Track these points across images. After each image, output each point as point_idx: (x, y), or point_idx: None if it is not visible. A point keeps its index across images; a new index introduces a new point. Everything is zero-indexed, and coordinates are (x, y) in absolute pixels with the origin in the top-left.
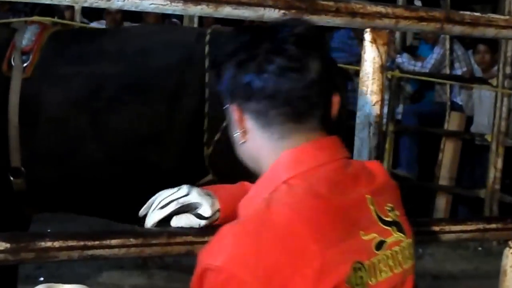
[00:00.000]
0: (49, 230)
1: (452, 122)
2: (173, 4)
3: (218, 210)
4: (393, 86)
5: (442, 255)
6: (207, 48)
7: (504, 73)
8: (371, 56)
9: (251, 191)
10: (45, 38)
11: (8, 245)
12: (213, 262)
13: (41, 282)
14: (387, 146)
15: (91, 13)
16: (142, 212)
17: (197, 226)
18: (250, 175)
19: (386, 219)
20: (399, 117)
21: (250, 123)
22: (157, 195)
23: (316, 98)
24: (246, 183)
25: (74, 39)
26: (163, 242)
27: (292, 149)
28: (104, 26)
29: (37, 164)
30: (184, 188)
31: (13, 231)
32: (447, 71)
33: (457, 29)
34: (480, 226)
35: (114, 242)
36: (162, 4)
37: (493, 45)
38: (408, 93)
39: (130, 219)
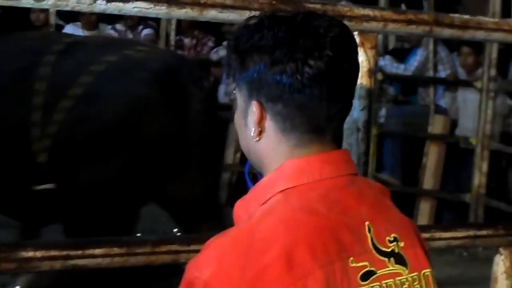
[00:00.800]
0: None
1: (436, 125)
2: (156, 7)
3: None
4: (375, 89)
5: None
6: None
7: (489, 75)
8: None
9: (249, 193)
10: None
11: None
12: (199, 275)
13: None
14: (370, 150)
15: (67, 14)
16: None
17: None
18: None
19: (383, 249)
20: (382, 120)
21: (270, 124)
22: None
23: (335, 110)
24: None
25: None
26: (147, 251)
27: (299, 159)
28: (79, 28)
29: None
30: None
31: None
32: (431, 73)
33: (447, 32)
34: (471, 232)
35: (97, 251)
36: (145, 8)
37: (478, 47)
38: (391, 96)
39: None
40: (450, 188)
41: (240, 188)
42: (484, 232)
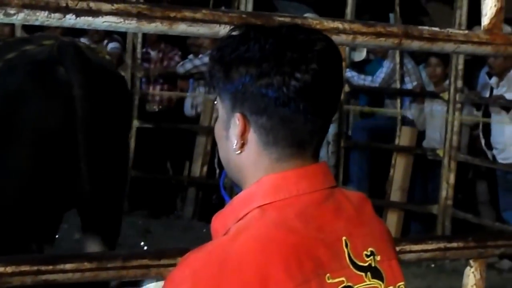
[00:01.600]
0: None
1: (403, 137)
2: (126, 21)
3: None
4: (342, 101)
5: None
6: None
7: (456, 86)
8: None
9: (227, 207)
10: None
11: None
12: None
13: None
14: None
15: (32, 27)
16: None
17: None
18: None
19: (360, 263)
20: (348, 132)
21: (253, 137)
22: None
23: (319, 124)
24: None
25: None
26: (118, 266)
27: (276, 174)
28: None
29: None
30: None
31: None
32: (398, 85)
33: (416, 44)
34: (441, 245)
35: (68, 266)
36: (115, 22)
37: (445, 58)
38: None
39: None
40: (418, 199)
41: (206, 203)
42: (454, 245)
